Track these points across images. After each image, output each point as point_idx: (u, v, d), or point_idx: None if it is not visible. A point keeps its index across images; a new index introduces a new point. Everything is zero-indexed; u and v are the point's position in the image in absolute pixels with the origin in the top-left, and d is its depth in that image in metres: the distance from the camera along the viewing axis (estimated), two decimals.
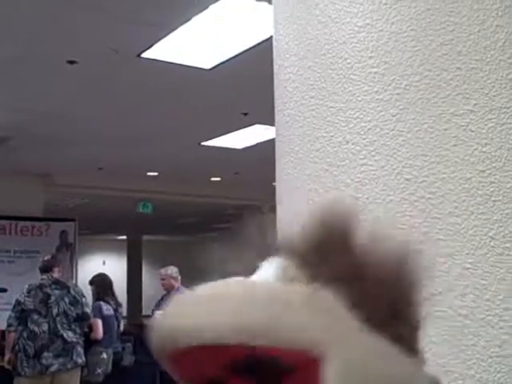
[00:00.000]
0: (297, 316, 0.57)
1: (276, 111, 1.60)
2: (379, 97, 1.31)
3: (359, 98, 1.34)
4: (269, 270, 0.63)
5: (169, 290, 6.89)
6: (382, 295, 0.63)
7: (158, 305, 6.96)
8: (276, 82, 1.61)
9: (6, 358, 5.96)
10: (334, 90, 1.39)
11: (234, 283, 0.61)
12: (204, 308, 0.58)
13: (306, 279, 0.61)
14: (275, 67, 1.63)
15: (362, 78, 1.34)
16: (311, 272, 0.61)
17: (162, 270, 7.18)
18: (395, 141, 1.28)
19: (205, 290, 0.61)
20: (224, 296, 0.59)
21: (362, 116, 1.33)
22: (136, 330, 9.22)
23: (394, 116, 1.29)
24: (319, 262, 0.62)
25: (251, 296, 0.58)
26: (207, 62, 5.42)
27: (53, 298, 5.85)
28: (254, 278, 0.63)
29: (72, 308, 5.91)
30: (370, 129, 1.31)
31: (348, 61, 1.37)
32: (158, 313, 6.61)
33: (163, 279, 7.05)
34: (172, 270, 7.10)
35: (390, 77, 1.31)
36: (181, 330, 0.57)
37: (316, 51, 1.45)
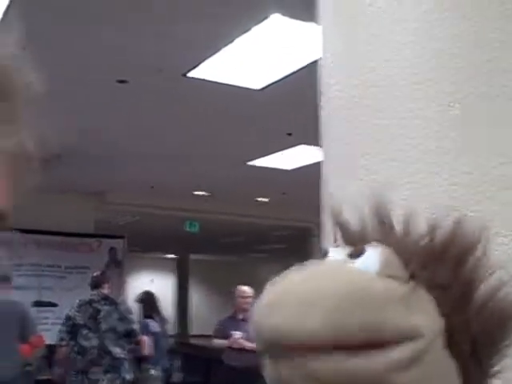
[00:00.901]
0: (394, 315, 0.58)
1: (322, 129, 1.62)
2: (423, 113, 1.32)
3: (403, 116, 1.35)
4: (373, 262, 0.63)
5: (246, 310, 6.68)
6: (479, 325, 0.63)
7: (230, 326, 6.71)
8: (323, 99, 1.63)
9: (56, 371, 6.06)
10: (379, 107, 1.40)
11: (334, 281, 0.61)
12: (302, 309, 0.57)
13: (407, 276, 0.62)
14: (322, 85, 1.65)
15: (407, 94, 1.35)
16: (417, 271, 0.62)
17: (247, 288, 6.93)
18: (440, 158, 1.28)
19: (305, 285, 0.61)
20: (322, 294, 0.58)
21: (406, 133, 1.34)
22: (184, 348, 9.26)
23: (437, 132, 1.30)
24: (432, 266, 0.63)
25: (350, 296, 0.58)
26: (257, 82, 5.48)
27: (102, 313, 5.95)
28: (359, 264, 0.63)
29: (120, 324, 5.99)
30: (414, 146, 1.32)
31: (392, 78, 1.38)
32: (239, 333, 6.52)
33: (247, 297, 6.80)
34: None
35: (434, 94, 1.31)
36: (282, 332, 0.57)
37: (361, 69, 1.46)
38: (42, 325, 7.98)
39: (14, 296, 6.41)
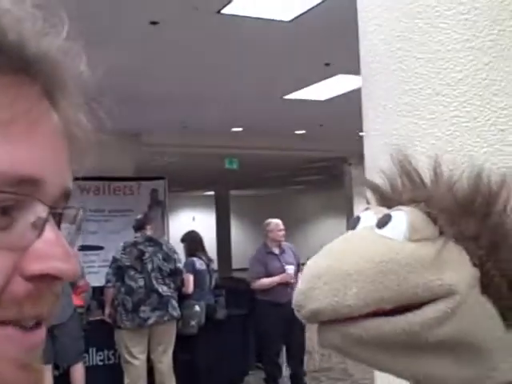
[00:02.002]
0: (427, 277, 0.61)
1: (361, 65, 1.56)
2: (470, 45, 1.26)
3: (449, 48, 1.29)
4: (400, 227, 0.64)
5: (280, 242, 6.73)
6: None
7: (265, 259, 6.66)
8: (361, 34, 1.57)
9: (107, 311, 6.26)
10: (422, 40, 1.34)
11: (365, 251, 0.64)
12: (337, 287, 0.61)
13: (436, 234, 0.64)
14: (359, 19, 1.58)
15: (452, 25, 1.28)
16: (446, 226, 0.64)
17: (279, 221, 6.85)
18: (488, 90, 1.23)
19: (335, 260, 0.64)
20: (354, 268, 0.62)
21: (452, 66, 1.28)
22: (227, 283, 9.44)
23: (486, 64, 1.24)
24: (460, 219, 0.64)
25: (382, 266, 0.61)
26: (287, 14, 5.35)
27: (147, 254, 6.06)
28: (387, 232, 0.65)
29: (165, 264, 6.11)
30: (461, 79, 1.26)
31: (437, 8, 1.31)
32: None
33: (282, 229, 6.77)
34: None
35: (482, 23, 1.25)
36: (323, 314, 0.62)
37: (401, 1, 1.40)
38: (89, 267, 8.20)
39: None
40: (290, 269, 6.48)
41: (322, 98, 8.51)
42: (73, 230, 0.48)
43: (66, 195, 0.48)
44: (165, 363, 6.23)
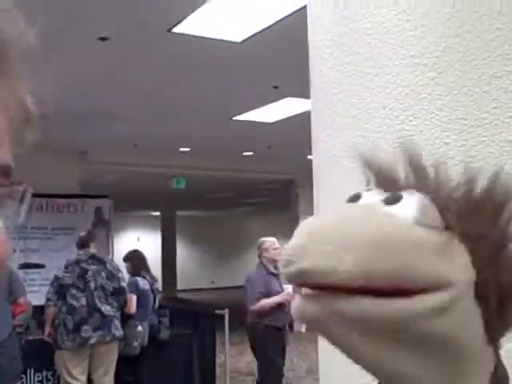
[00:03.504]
0: (430, 263, 0.58)
1: (311, 79, 1.59)
2: (417, 61, 1.29)
3: (396, 63, 1.32)
4: (410, 209, 0.61)
5: (276, 262, 6.42)
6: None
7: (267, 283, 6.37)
8: (311, 49, 1.59)
9: (47, 331, 6.10)
10: (371, 55, 1.37)
11: (370, 221, 0.60)
12: (334, 249, 0.56)
13: (443, 226, 0.61)
14: (309, 34, 1.61)
15: (399, 41, 1.32)
16: (454, 222, 0.61)
17: (274, 239, 6.54)
18: (434, 105, 1.26)
19: (337, 222, 0.60)
20: (356, 236, 0.57)
21: (399, 81, 1.31)
22: (171, 303, 9.34)
23: (432, 80, 1.27)
24: (469, 217, 0.62)
25: (385, 240, 0.57)
26: (238, 35, 5.39)
27: (90, 272, 5.95)
28: (395, 210, 0.61)
29: (109, 282, 6.01)
30: (407, 94, 1.29)
31: (384, 25, 1.35)
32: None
33: (278, 247, 6.42)
34: None
35: (428, 39, 1.28)
36: (312, 274, 0.56)
37: (351, 16, 1.43)
38: (29, 286, 7.99)
39: None
40: (289, 288, 6.20)
41: (271, 120, 8.58)
42: (19, 208, 0.45)
43: (5, 172, 0.45)
44: None
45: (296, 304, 0.61)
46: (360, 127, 1.36)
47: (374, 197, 0.64)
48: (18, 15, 0.45)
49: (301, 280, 0.58)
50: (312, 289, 0.59)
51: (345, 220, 0.60)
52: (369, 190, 0.67)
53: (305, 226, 0.60)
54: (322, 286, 0.57)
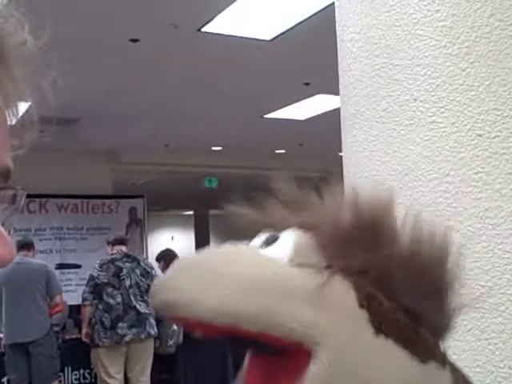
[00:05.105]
0: (295, 309, 0.54)
1: (340, 73, 1.57)
2: (447, 51, 1.27)
3: (426, 54, 1.30)
4: (285, 246, 0.58)
5: None
6: (409, 295, 0.59)
7: None
8: (339, 43, 1.58)
9: (84, 331, 6.17)
10: (400, 47, 1.35)
11: (240, 261, 0.58)
12: (201, 284, 0.55)
13: (322, 265, 0.57)
14: (338, 28, 1.59)
15: (429, 32, 1.29)
16: (333, 259, 0.57)
17: None
18: (465, 96, 1.24)
19: (209, 260, 0.58)
20: (225, 274, 0.56)
21: (429, 72, 1.29)
22: None
23: (463, 70, 1.25)
24: (347, 251, 0.58)
25: (252, 281, 0.55)
26: (267, 33, 5.38)
27: (125, 270, 6.01)
28: (271, 251, 0.59)
29: (143, 279, 6.06)
30: (438, 85, 1.27)
31: (413, 16, 1.32)
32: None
33: None
34: None
35: (458, 30, 1.26)
36: (177, 304, 0.55)
37: (379, 8, 1.41)
38: (66, 286, 8.11)
39: (38, 259, 6.50)
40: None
41: (302, 117, 8.54)
42: (10, 210, 0.45)
43: (6, 174, 0.45)
44: (143, 383, 6.15)
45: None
46: (391, 120, 1.34)
47: (261, 238, 0.62)
48: (23, 21, 0.45)
49: (166, 312, 0.56)
50: (182, 323, 0.57)
51: (218, 259, 0.58)
52: (263, 233, 0.64)
53: (179, 262, 0.59)
54: (189, 322, 0.55)
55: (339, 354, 0.55)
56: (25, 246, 6.17)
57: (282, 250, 0.58)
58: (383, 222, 0.59)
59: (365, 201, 0.60)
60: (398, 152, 1.29)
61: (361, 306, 0.57)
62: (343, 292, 0.57)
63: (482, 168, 1.19)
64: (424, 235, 0.60)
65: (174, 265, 0.58)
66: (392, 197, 0.61)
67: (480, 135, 1.22)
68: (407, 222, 0.60)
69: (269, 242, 0.60)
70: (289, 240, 0.59)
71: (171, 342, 6.48)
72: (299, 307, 0.54)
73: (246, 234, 0.65)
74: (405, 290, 0.59)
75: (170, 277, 0.57)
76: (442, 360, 0.62)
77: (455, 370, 0.63)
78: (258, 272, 0.56)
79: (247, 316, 0.53)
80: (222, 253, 0.60)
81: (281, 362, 0.57)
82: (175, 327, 6.51)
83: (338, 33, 1.59)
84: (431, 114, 1.27)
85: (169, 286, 0.56)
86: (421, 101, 1.29)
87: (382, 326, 0.57)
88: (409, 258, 0.59)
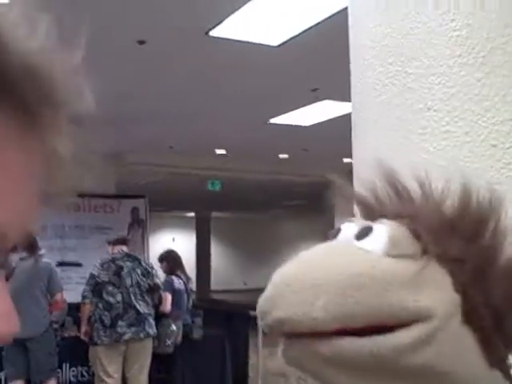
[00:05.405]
0: (398, 298, 0.56)
1: (352, 80, 1.57)
2: (462, 61, 1.27)
3: (441, 63, 1.30)
4: (380, 241, 0.59)
5: None
6: (501, 290, 0.60)
7: None
8: (352, 50, 1.58)
9: (83, 330, 6.16)
10: (414, 55, 1.35)
11: (337, 265, 0.59)
12: (306, 295, 0.56)
13: (418, 253, 0.59)
14: (351, 35, 1.60)
15: (444, 42, 1.30)
16: (430, 245, 0.59)
17: None
18: (480, 106, 1.24)
19: (308, 267, 0.60)
20: (326, 279, 0.57)
21: (444, 81, 1.29)
22: (205, 304, 9.38)
23: (478, 80, 1.25)
24: (445, 238, 0.59)
25: (353, 280, 0.56)
26: (275, 38, 5.38)
27: (125, 269, 6.02)
28: (365, 244, 0.60)
29: (144, 279, 6.06)
30: (453, 94, 1.27)
31: (429, 25, 1.33)
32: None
33: None
34: None
35: (473, 40, 1.26)
36: (287, 324, 0.57)
37: (394, 16, 1.41)
38: (66, 284, 8.09)
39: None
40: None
41: (308, 123, 8.55)
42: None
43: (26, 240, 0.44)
44: (140, 382, 6.14)
45: (281, 348, 0.61)
46: (404, 129, 1.34)
47: (351, 230, 0.63)
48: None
49: (277, 330, 0.58)
50: (290, 336, 0.59)
51: (314, 266, 0.59)
52: (350, 220, 0.66)
53: (278, 276, 0.60)
54: (299, 334, 0.57)
55: (441, 331, 0.56)
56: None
57: (377, 242, 0.59)
58: (488, 220, 0.60)
59: (473, 196, 0.61)
60: (410, 161, 1.29)
61: (456, 291, 0.58)
62: (440, 276, 0.58)
63: (497, 179, 1.19)
64: None
65: (274, 280, 0.60)
66: (501, 199, 0.62)
67: (494, 145, 1.22)
68: (505, 221, 0.62)
69: (363, 235, 0.61)
70: (383, 231, 0.60)
71: (169, 342, 6.47)
72: (405, 294, 0.56)
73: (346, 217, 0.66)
74: (495, 289, 0.60)
75: (274, 294, 0.58)
76: (507, 372, 0.63)
77: None
78: (357, 270, 0.57)
79: (354, 315, 0.55)
80: (315, 257, 0.61)
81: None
82: (174, 327, 6.51)
83: (351, 40, 1.59)
84: (445, 124, 1.27)
85: (275, 305, 0.57)
86: (435, 110, 1.29)
87: (469, 315, 0.58)
88: (506, 262, 0.61)
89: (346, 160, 9.32)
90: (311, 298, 0.55)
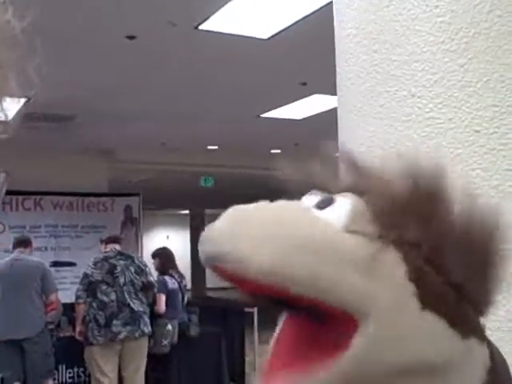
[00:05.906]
0: (346, 276, 0.53)
1: (338, 69, 1.56)
2: (446, 47, 1.26)
3: (424, 50, 1.29)
4: (341, 211, 0.56)
5: None
6: (462, 266, 0.58)
7: None
8: (337, 38, 1.57)
9: (77, 330, 6.14)
10: (398, 42, 1.34)
11: (294, 221, 0.55)
12: (253, 241, 0.52)
13: (375, 234, 0.55)
14: (336, 24, 1.59)
15: (428, 28, 1.29)
16: (386, 229, 0.56)
17: None
18: (463, 92, 1.23)
19: (261, 217, 0.55)
20: (278, 233, 0.53)
21: (427, 68, 1.28)
22: (201, 301, 9.37)
23: (461, 66, 1.24)
24: (401, 222, 0.56)
25: (305, 243, 0.53)
26: (264, 31, 5.37)
27: (119, 268, 6.00)
28: (325, 214, 0.56)
29: (138, 277, 6.04)
30: (436, 81, 1.26)
31: (412, 11, 1.32)
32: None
33: None
34: None
35: (457, 25, 1.25)
36: (228, 258, 0.52)
37: (378, 4, 1.40)
38: (60, 284, 8.07)
39: (34, 257, 6.47)
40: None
41: (298, 117, 8.54)
42: None
43: None
44: (137, 381, 6.13)
45: None
46: (388, 116, 1.33)
47: (311, 200, 0.60)
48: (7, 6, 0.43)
49: (213, 263, 0.53)
50: (227, 279, 0.54)
51: (271, 216, 0.55)
52: (311, 193, 0.61)
53: (229, 214, 0.56)
54: (236, 278, 0.53)
55: (385, 326, 0.54)
56: (21, 242, 6.17)
57: (337, 214, 0.56)
58: (440, 196, 0.58)
59: (421, 172, 0.58)
60: (395, 148, 1.28)
61: (410, 279, 0.55)
62: (393, 263, 0.55)
63: (480, 164, 1.18)
64: (475, 213, 0.59)
65: (225, 216, 0.55)
66: (446, 172, 0.59)
67: (478, 131, 1.21)
68: (460, 199, 0.59)
69: (323, 205, 0.58)
70: (345, 205, 0.57)
71: (166, 342, 6.46)
72: (349, 274, 0.53)
73: (292, 195, 0.62)
74: (454, 265, 0.58)
75: (222, 228, 0.54)
76: (482, 335, 0.62)
77: (490, 344, 0.63)
78: (311, 234, 0.54)
79: (297, 278, 0.51)
80: (275, 209, 0.57)
81: (319, 327, 0.56)
82: (170, 327, 6.49)
83: (336, 28, 1.58)
84: (429, 110, 1.26)
85: (221, 238, 0.53)
86: (418, 97, 1.28)
87: (428, 300, 0.56)
88: (460, 234, 0.58)
89: (338, 154, 9.30)
90: (259, 244, 0.51)
